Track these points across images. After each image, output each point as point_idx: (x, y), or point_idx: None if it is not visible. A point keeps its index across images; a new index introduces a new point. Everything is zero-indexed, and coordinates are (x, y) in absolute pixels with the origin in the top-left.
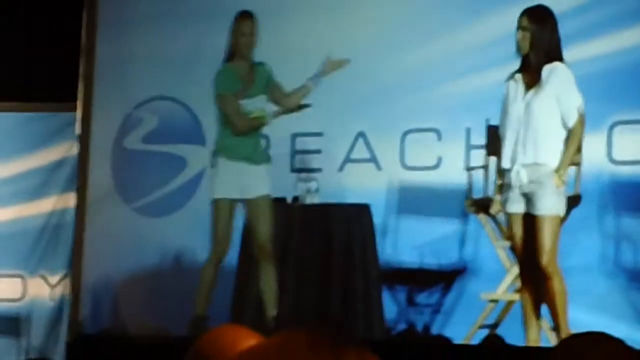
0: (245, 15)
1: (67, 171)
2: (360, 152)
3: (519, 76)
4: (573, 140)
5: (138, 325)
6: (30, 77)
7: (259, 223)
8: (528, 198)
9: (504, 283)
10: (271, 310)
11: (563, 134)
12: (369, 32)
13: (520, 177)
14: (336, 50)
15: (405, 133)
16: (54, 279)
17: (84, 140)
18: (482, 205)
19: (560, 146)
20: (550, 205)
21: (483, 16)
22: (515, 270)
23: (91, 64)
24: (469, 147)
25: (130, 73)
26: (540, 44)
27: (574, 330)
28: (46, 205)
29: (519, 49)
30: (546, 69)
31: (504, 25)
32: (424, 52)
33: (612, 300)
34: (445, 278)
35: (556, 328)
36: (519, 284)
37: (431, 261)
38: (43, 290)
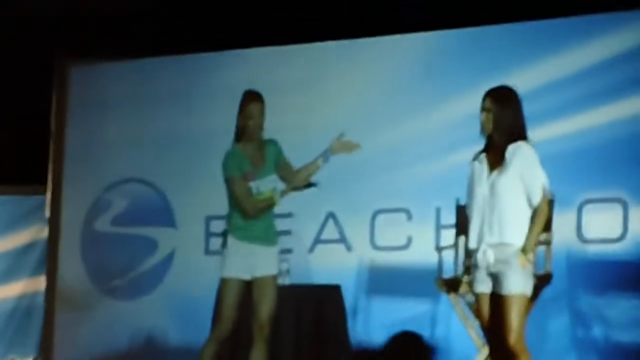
0: (253, 97)
1: (37, 254)
2: (330, 232)
3: (483, 156)
4: (538, 219)
5: None
6: (1, 161)
7: (262, 302)
8: (495, 278)
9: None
10: None
11: (528, 213)
12: (338, 112)
13: (486, 257)
14: (306, 130)
15: (375, 213)
16: None
17: (54, 223)
18: (453, 285)
19: (525, 225)
20: (517, 284)
21: (451, 98)
22: (487, 349)
23: (61, 146)
24: (439, 227)
25: (100, 155)
26: (503, 124)
27: None
28: (16, 288)
29: (482, 129)
30: (510, 149)
31: (472, 106)
32: (393, 133)
33: None
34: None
35: None
36: None
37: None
38: None
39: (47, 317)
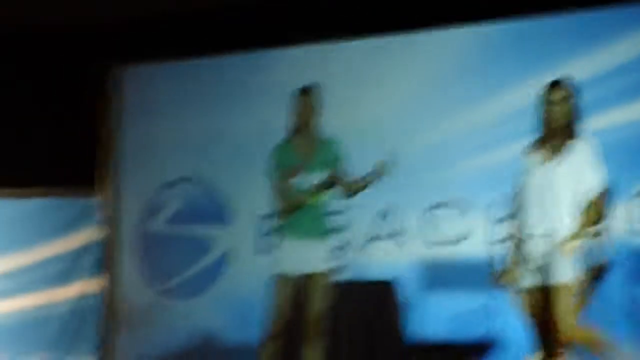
0: (304, 91)
1: (91, 256)
2: (385, 227)
3: (539, 147)
4: (591, 212)
5: None
6: (56, 162)
7: (314, 298)
8: (544, 269)
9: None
10: None
11: (581, 207)
12: (392, 108)
13: (537, 249)
14: (359, 126)
15: (429, 208)
16: None
17: (110, 224)
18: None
19: (575, 218)
20: (565, 273)
21: (503, 90)
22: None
23: (114, 148)
24: (493, 221)
25: (154, 156)
26: (561, 118)
27: None
28: (72, 291)
29: (541, 121)
30: (567, 143)
31: (524, 99)
32: (446, 127)
33: None
34: (474, 352)
35: None
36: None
37: (458, 335)
38: None
39: (105, 318)
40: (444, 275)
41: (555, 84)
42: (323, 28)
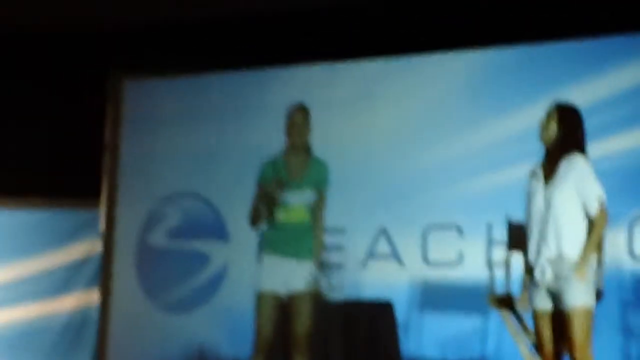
0: (296, 109)
1: (92, 268)
2: (382, 247)
3: (539, 171)
4: (596, 231)
5: None
6: (55, 173)
7: (299, 317)
8: (555, 294)
9: None
10: None
11: (584, 225)
12: (389, 128)
13: (545, 274)
14: (357, 146)
15: (427, 229)
16: None
17: (108, 237)
18: (504, 301)
19: (582, 237)
20: (578, 298)
21: (501, 115)
22: None
23: (115, 160)
24: (490, 243)
25: (154, 169)
26: (563, 139)
27: None
28: (70, 301)
29: (542, 141)
30: (563, 162)
31: (522, 123)
32: (444, 148)
33: None
34: None
35: None
36: None
37: (454, 357)
38: None
39: (100, 331)
40: (439, 297)
41: (554, 106)
42: (325, 48)
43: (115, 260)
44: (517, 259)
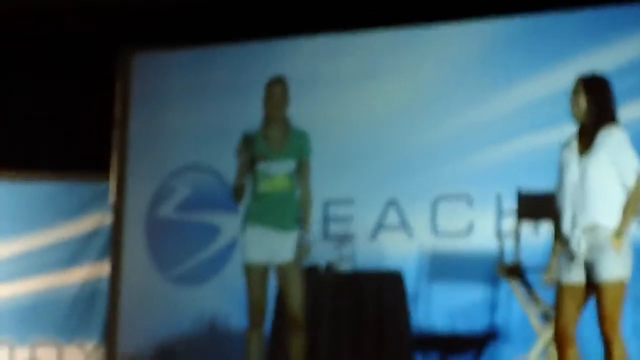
0: (275, 80)
1: (102, 240)
2: (392, 218)
3: (573, 143)
4: (633, 202)
5: None
6: (66, 147)
7: (290, 292)
8: (589, 266)
9: (535, 348)
10: None
11: (621, 197)
12: (399, 101)
13: (580, 245)
14: (367, 119)
15: (436, 200)
16: (89, 347)
17: (118, 210)
18: (513, 271)
19: (619, 208)
20: (612, 271)
21: (510, 85)
22: (547, 334)
23: (124, 135)
24: (500, 213)
25: (162, 143)
26: (594, 111)
27: None
28: (80, 274)
29: (573, 115)
30: (600, 134)
31: (531, 94)
32: (453, 120)
33: None
34: (477, 343)
35: None
36: (551, 348)
37: (463, 327)
38: (78, 358)
39: (111, 303)
40: (448, 267)
41: (581, 79)
42: (337, 19)
43: (125, 233)
44: (526, 228)
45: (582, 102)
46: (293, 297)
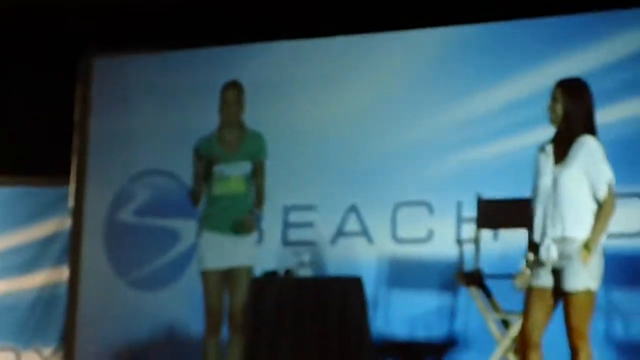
0: (229, 84)
1: (60, 245)
2: (352, 225)
3: (549, 148)
4: (604, 215)
5: None
6: (25, 151)
7: (233, 293)
8: (558, 274)
9: (495, 355)
10: None
11: (593, 209)
12: (359, 107)
13: (550, 252)
14: (329, 125)
15: (397, 206)
16: (47, 352)
17: (77, 214)
18: (473, 278)
19: (589, 220)
20: (579, 281)
21: (471, 93)
22: (506, 342)
23: (84, 138)
24: (460, 220)
25: (123, 147)
26: (571, 117)
27: None
28: (39, 278)
29: (551, 120)
30: (575, 143)
31: (491, 102)
32: (414, 127)
33: None
34: (436, 350)
35: None
36: (510, 356)
37: (422, 333)
38: None
39: (69, 307)
40: (408, 274)
41: (559, 83)
42: (297, 26)
43: (85, 238)
44: (486, 235)
45: (559, 108)
46: (236, 297)
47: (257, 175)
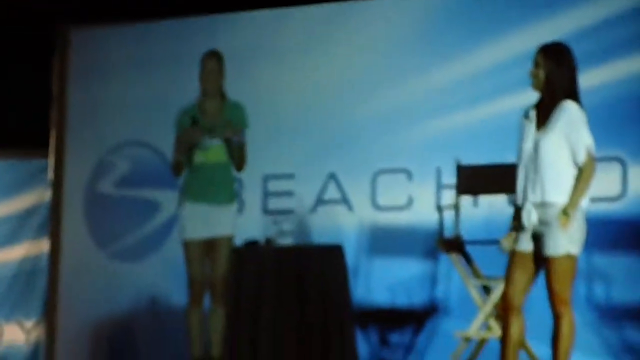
0: (210, 53)
1: (40, 217)
2: (332, 193)
3: (532, 113)
4: (583, 179)
5: None
6: (3, 124)
7: (215, 263)
8: (538, 238)
9: (476, 321)
10: (217, 351)
11: (573, 174)
12: (340, 74)
13: (531, 217)
14: (308, 93)
15: (376, 174)
16: (29, 324)
17: (57, 186)
18: (453, 244)
19: (569, 186)
20: (559, 246)
21: (450, 58)
22: (487, 308)
23: (63, 110)
24: (440, 187)
25: (102, 119)
26: (553, 82)
27: None
28: (19, 251)
29: (533, 85)
30: (557, 109)
31: (471, 67)
32: (393, 94)
33: (583, 337)
34: (417, 317)
35: None
36: (491, 321)
37: (403, 300)
38: (18, 335)
39: (50, 280)
40: (388, 241)
41: (541, 48)
42: None
43: (65, 210)
44: (466, 201)
45: (541, 74)
46: (217, 267)
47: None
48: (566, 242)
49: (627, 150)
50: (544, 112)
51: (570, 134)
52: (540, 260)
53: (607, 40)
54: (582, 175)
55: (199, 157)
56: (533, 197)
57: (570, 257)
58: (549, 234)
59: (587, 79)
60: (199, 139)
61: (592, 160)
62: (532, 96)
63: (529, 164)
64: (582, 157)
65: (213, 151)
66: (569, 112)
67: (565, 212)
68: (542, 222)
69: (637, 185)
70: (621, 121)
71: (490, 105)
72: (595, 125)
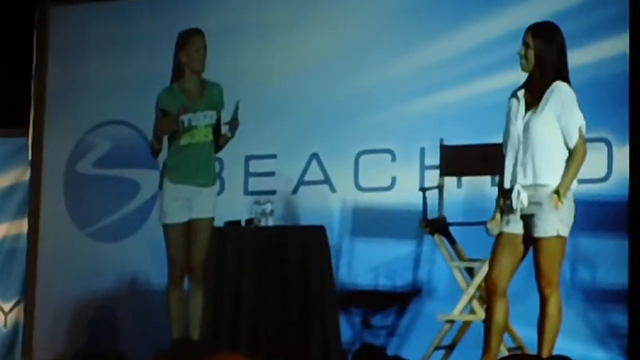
0: (196, 31)
1: (20, 197)
2: (314, 174)
3: (521, 94)
4: (575, 161)
5: (93, 351)
6: None
7: (194, 245)
8: (528, 220)
9: (460, 304)
10: (196, 332)
11: (564, 155)
12: (322, 53)
13: (520, 198)
14: (290, 71)
15: (359, 154)
16: (8, 306)
17: (36, 166)
18: (437, 226)
19: (560, 167)
20: (550, 227)
21: (435, 37)
22: (471, 290)
23: (42, 88)
24: (423, 168)
25: (82, 97)
26: (543, 62)
27: (531, 351)
28: None
29: (522, 66)
30: (548, 90)
31: (457, 46)
32: (377, 73)
33: (568, 321)
34: (400, 299)
35: (539, 353)
36: (475, 303)
37: (386, 283)
38: None
39: (29, 260)
40: (372, 222)
41: (530, 28)
42: None
43: (44, 189)
44: (450, 182)
45: (531, 54)
46: (196, 249)
47: (219, 126)
48: (557, 222)
49: (613, 131)
50: (533, 93)
51: (562, 115)
52: (528, 242)
53: (592, 20)
54: (575, 157)
55: (185, 138)
56: (523, 179)
57: (560, 238)
58: (540, 215)
59: (573, 59)
60: (173, 129)
61: (584, 142)
62: (518, 76)
63: (517, 146)
64: (574, 138)
65: (199, 132)
66: (561, 93)
67: (558, 192)
68: (532, 202)
69: (622, 166)
70: (607, 102)
71: (475, 85)
72: (581, 106)
